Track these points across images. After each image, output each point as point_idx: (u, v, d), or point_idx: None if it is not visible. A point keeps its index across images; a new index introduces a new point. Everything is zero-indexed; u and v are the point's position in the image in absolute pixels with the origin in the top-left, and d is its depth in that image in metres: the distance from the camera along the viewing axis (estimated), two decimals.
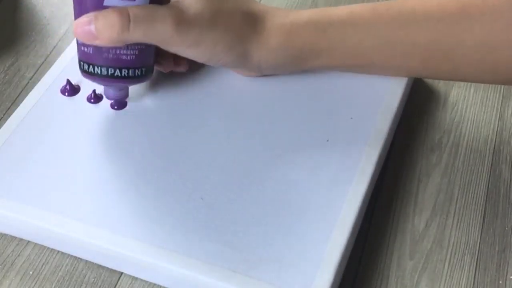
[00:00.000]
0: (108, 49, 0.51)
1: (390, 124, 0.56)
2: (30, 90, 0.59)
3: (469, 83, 0.63)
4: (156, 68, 0.56)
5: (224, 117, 0.57)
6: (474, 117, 0.61)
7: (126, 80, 0.53)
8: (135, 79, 0.53)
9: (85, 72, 0.53)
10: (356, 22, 0.53)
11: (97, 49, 0.51)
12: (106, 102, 0.58)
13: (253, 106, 0.57)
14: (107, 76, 0.52)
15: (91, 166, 0.53)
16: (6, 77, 0.64)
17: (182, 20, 0.50)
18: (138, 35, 0.50)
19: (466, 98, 0.63)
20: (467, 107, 0.62)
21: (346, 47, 0.54)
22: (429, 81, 0.64)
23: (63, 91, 0.58)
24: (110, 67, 0.52)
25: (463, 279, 0.51)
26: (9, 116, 0.57)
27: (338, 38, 0.53)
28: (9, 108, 0.61)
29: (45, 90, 0.59)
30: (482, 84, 0.63)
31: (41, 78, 0.60)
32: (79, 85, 0.59)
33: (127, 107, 0.57)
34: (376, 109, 0.57)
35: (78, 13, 0.51)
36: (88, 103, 0.58)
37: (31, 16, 0.70)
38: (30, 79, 0.64)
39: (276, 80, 0.59)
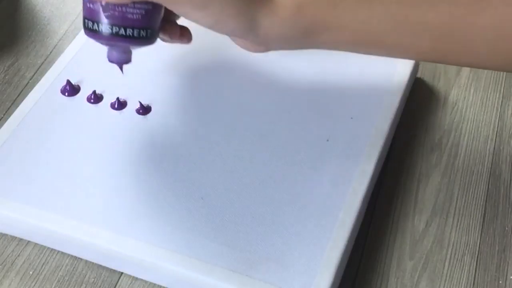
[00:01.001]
0: (114, 6, 0.50)
1: (390, 124, 0.56)
2: (30, 90, 0.59)
3: (469, 83, 0.63)
4: (161, 37, 0.55)
5: (224, 117, 0.57)
6: (474, 117, 0.61)
7: (130, 41, 0.51)
8: (139, 40, 0.51)
9: (89, 30, 0.51)
10: None
11: (103, 6, 0.50)
12: (106, 102, 0.58)
13: (253, 106, 0.57)
14: (111, 34, 0.51)
15: (91, 166, 0.53)
16: (6, 77, 0.64)
17: None
18: None
19: (466, 98, 0.63)
20: (467, 107, 0.62)
21: (356, 23, 0.53)
22: (429, 81, 0.64)
23: (63, 91, 0.58)
24: (115, 25, 0.50)
25: (463, 279, 0.51)
26: (9, 116, 0.57)
27: (349, 14, 0.53)
28: (9, 108, 0.61)
29: (45, 90, 0.59)
30: (482, 84, 0.63)
31: (41, 78, 0.60)
32: (79, 85, 0.59)
33: (127, 107, 0.57)
34: (376, 109, 0.57)
35: None
36: (88, 103, 0.58)
37: (31, 16, 0.70)
38: (30, 79, 0.64)
39: (276, 80, 0.59)
